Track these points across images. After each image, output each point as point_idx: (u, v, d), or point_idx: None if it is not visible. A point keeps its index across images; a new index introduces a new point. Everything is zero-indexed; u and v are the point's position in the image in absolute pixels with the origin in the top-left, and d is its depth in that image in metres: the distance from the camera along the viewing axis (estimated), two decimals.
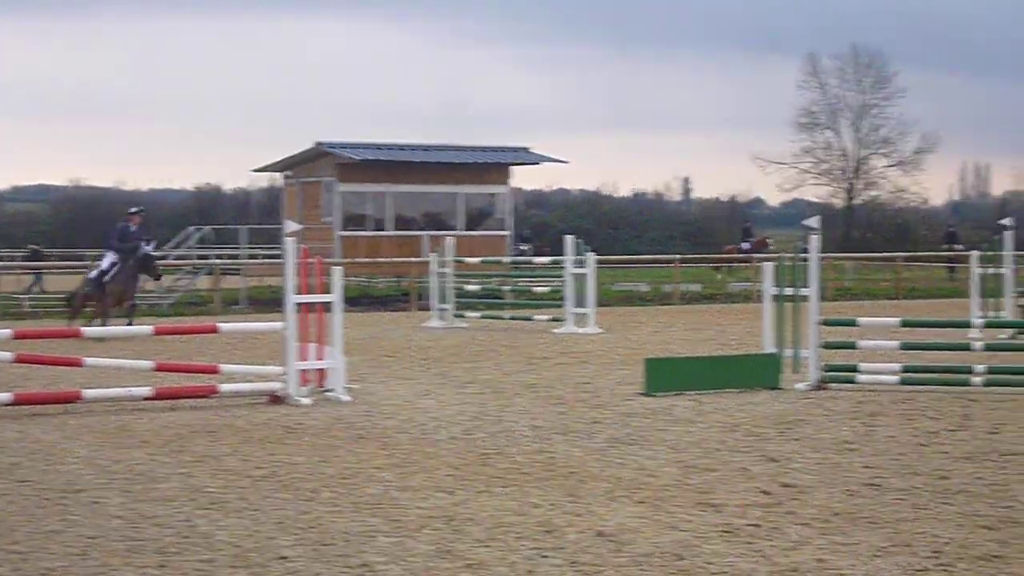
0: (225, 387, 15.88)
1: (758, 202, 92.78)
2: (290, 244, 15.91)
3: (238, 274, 40.69)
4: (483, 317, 29.95)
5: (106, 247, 27.57)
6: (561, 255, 28.45)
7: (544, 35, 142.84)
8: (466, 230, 40.76)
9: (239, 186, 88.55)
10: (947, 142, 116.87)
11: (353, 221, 40.81)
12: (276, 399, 15.75)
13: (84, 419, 14.58)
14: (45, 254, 49.55)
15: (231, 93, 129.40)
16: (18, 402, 15.10)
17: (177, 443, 12.94)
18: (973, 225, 67.70)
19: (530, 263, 38.05)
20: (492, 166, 42.19)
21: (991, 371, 16.53)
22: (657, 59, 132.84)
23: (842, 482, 10.73)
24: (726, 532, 9.02)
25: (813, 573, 8.01)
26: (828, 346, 17.09)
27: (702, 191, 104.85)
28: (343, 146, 40.90)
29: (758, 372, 16.96)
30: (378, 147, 41.40)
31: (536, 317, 29.04)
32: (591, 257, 27.72)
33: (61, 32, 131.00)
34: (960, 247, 48.94)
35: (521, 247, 47.35)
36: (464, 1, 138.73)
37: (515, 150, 43.52)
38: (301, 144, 41.81)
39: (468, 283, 30.82)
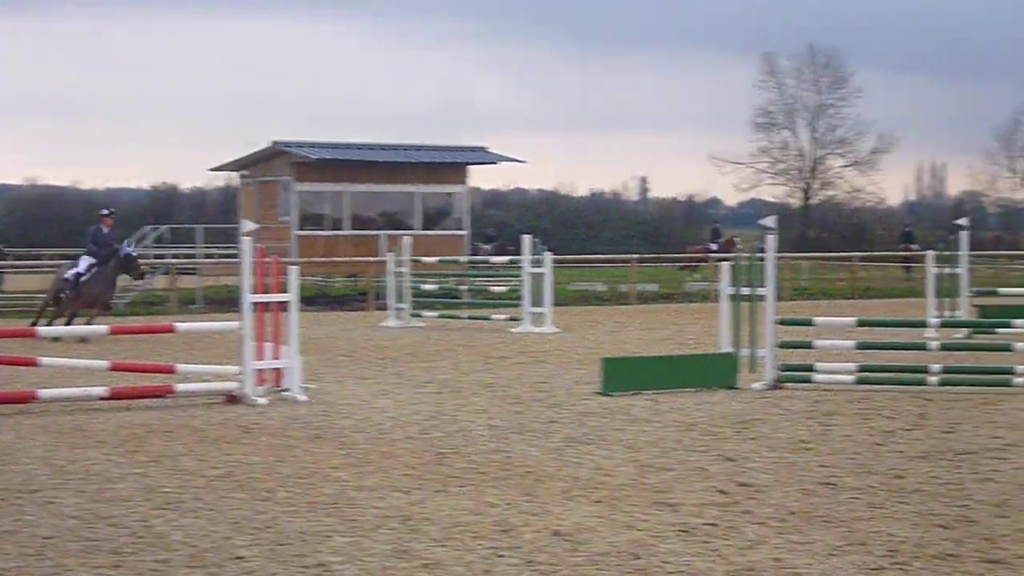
0: (181, 387, 15.81)
1: (715, 202, 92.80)
2: (246, 243, 15.86)
3: (194, 273, 40.49)
4: (440, 317, 29.98)
5: (76, 247, 27.11)
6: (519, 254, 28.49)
7: (502, 34, 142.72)
8: (423, 229, 40.76)
9: (196, 185, 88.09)
10: (904, 142, 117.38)
11: (310, 220, 40.76)
12: (232, 399, 15.70)
13: (39, 419, 14.49)
14: (6, 253, 48.77)
15: (188, 92, 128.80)
16: None
17: (133, 443, 12.88)
18: (929, 225, 68.17)
19: (487, 262, 38.03)
20: (449, 165, 42.20)
21: (947, 371, 16.62)
22: (615, 59, 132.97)
23: (798, 481, 10.77)
24: (683, 531, 9.03)
25: (769, 572, 8.03)
26: (784, 345, 17.13)
27: (659, 191, 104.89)
28: (300, 145, 40.83)
29: (715, 372, 17.00)
30: (335, 146, 41.36)
31: (493, 317, 29.09)
32: (548, 257, 27.76)
33: (16, 31, 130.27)
34: (916, 247, 49.12)
35: (485, 246, 47.31)
36: (421, 1, 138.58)
37: (472, 149, 43.56)
38: (259, 144, 41.74)
39: (425, 283, 30.81)
